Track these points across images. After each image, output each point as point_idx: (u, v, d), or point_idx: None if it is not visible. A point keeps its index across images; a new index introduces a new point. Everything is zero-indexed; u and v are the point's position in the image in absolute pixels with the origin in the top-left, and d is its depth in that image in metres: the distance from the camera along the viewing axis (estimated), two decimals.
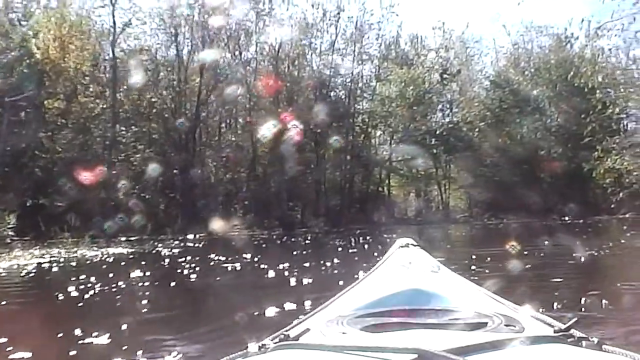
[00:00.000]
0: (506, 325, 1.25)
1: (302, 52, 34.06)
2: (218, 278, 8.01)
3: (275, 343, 1.14)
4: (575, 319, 1.14)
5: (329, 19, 33.81)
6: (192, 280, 7.81)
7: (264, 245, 17.40)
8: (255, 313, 4.51)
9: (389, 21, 36.84)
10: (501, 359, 0.95)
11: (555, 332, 1.11)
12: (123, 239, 20.86)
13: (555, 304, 4.32)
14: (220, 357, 1.10)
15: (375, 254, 7.23)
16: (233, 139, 33.39)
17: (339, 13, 33.80)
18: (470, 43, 39.98)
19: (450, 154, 36.61)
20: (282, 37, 33.48)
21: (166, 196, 29.48)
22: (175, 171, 29.74)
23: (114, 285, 6.83)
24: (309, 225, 30.49)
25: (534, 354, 0.99)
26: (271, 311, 4.58)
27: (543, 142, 37.46)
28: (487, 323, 1.29)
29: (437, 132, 35.66)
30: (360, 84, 35.81)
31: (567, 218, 26.51)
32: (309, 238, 20.33)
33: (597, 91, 30.27)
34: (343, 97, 35.56)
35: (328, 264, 8.51)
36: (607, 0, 18.26)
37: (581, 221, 22.97)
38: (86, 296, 6.14)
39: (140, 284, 7.13)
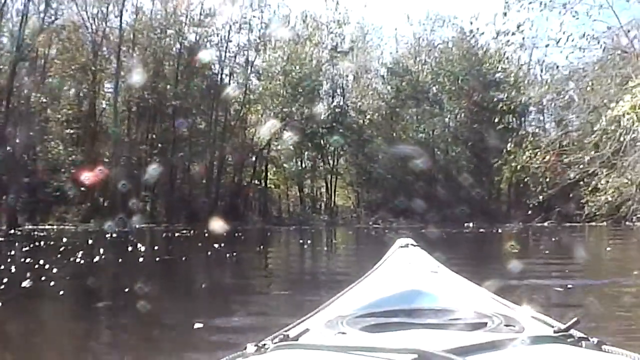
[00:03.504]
0: (506, 326, 1.24)
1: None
2: None
3: (274, 343, 1.11)
4: (575, 319, 1.10)
5: None
6: None
7: None
8: None
9: None
10: (501, 359, 0.95)
11: (555, 332, 1.11)
12: None
13: None
14: (219, 358, 1.08)
15: None
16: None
17: None
18: (367, 26, 35.53)
19: (338, 145, 31.74)
20: None
21: None
22: None
23: None
24: (158, 221, 24.77)
25: (533, 354, 1.00)
26: None
27: (440, 140, 34.16)
28: (487, 323, 1.27)
29: (324, 118, 30.50)
30: (236, 56, 30.15)
31: (471, 226, 23.02)
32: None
33: (501, 87, 27.39)
34: (215, 69, 29.80)
35: None
36: None
37: (483, 231, 19.30)
38: None
39: None
